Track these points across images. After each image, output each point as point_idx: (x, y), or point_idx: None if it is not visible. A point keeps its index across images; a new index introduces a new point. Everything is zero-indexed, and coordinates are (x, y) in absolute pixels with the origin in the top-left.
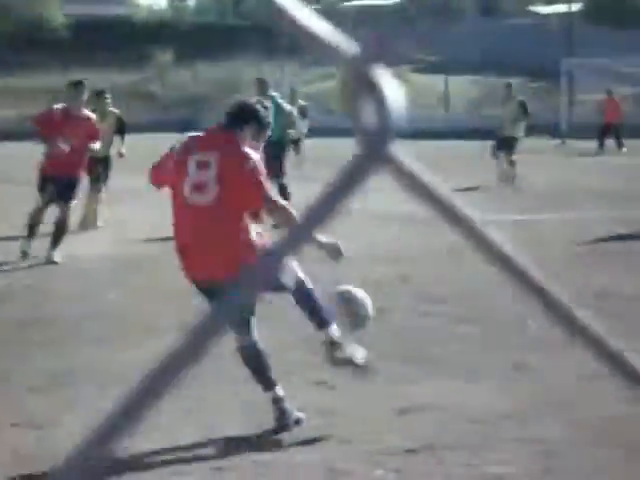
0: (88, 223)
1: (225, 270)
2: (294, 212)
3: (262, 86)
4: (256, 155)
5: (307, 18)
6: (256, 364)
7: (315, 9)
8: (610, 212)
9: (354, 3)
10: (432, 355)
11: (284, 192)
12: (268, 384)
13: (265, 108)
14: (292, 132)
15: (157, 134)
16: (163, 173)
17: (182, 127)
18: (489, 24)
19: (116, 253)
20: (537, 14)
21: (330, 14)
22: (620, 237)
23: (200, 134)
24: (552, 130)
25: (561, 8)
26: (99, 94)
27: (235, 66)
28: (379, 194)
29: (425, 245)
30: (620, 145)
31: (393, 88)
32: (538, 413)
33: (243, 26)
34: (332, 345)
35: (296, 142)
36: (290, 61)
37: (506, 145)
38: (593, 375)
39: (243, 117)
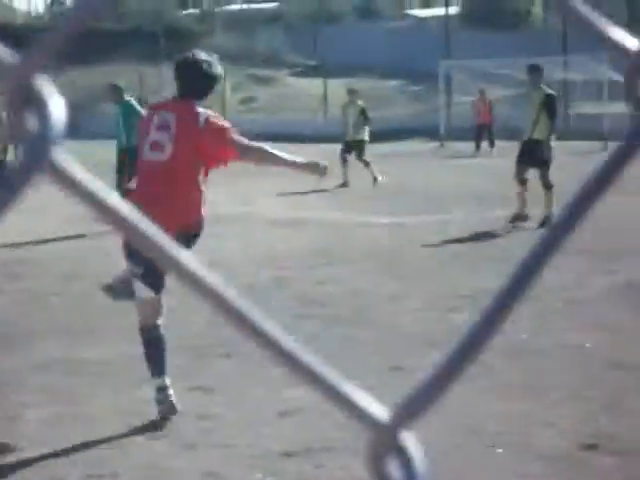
0: None
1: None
2: (267, 148)
3: (116, 92)
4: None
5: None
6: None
7: (191, 13)
8: (474, 213)
9: (230, 7)
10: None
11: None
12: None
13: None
14: None
15: None
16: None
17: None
18: (367, 26)
19: None
20: (415, 17)
21: (205, 18)
22: (476, 237)
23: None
24: (431, 133)
25: (439, 11)
26: None
27: (113, 71)
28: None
29: (300, 248)
30: (492, 145)
31: (54, 95)
32: None
33: (122, 30)
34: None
35: None
36: (169, 66)
37: (355, 148)
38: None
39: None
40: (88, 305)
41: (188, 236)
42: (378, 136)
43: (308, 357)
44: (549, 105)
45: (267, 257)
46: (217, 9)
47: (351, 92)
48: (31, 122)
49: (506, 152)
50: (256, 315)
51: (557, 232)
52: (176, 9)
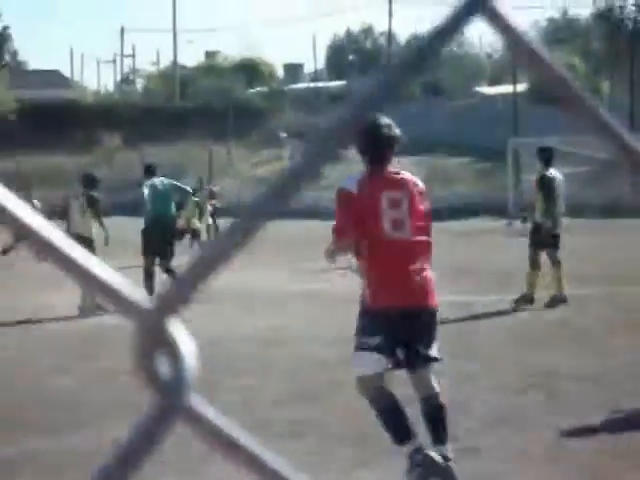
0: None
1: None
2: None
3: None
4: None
5: (95, 265)
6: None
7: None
8: (541, 292)
9: (298, 85)
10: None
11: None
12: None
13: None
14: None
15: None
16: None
17: (130, 210)
18: (435, 103)
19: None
20: (483, 94)
21: (273, 96)
22: (545, 316)
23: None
24: (499, 210)
25: (507, 89)
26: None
27: (182, 148)
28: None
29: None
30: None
31: (186, 340)
32: None
33: (190, 109)
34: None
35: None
36: (238, 144)
37: None
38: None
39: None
40: None
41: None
42: (444, 214)
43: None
44: (541, 186)
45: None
46: (285, 87)
47: None
48: (163, 367)
49: (574, 230)
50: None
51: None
52: (245, 87)
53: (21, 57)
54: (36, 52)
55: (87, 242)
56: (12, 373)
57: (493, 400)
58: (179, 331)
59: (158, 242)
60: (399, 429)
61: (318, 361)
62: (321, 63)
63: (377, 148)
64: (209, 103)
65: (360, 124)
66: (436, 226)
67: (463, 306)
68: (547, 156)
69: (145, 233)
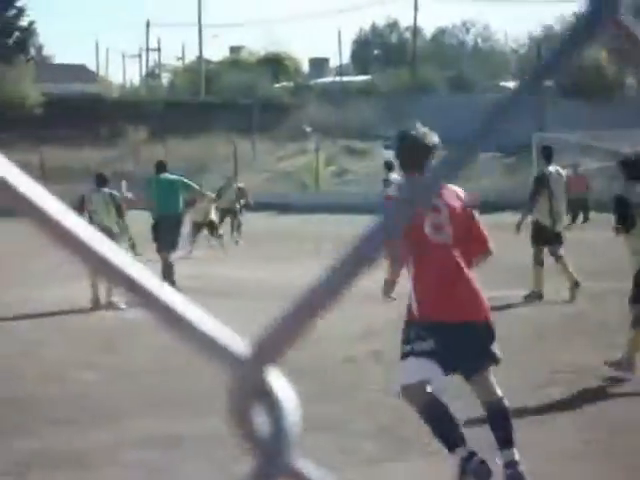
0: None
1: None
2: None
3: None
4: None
5: (188, 310)
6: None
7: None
8: (566, 286)
9: (323, 80)
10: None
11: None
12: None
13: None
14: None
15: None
16: None
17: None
18: (459, 98)
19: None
20: (508, 89)
21: (298, 91)
22: (570, 311)
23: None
24: (525, 205)
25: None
26: None
27: (208, 142)
28: None
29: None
30: (585, 220)
31: (287, 391)
32: None
33: (215, 103)
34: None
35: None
36: (263, 137)
37: None
38: None
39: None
40: (183, 379)
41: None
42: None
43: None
44: (535, 184)
45: (366, 330)
46: (311, 82)
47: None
48: (261, 420)
49: (601, 225)
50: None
51: None
52: (270, 82)
53: (47, 51)
54: (62, 46)
55: (111, 235)
56: (36, 366)
57: (515, 395)
58: (279, 381)
59: (166, 235)
60: (449, 436)
61: (344, 358)
62: (346, 57)
63: (414, 156)
64: (234, 98)
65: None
66: None
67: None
68: (547, 154)
69: (154, 228)
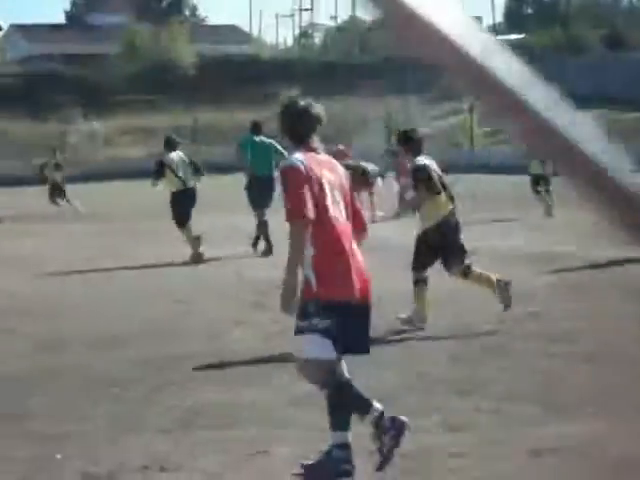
0: None
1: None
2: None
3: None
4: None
5: None
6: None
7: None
8: None
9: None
10: (561, 397)
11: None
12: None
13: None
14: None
15: None
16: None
17: None
18: (614, 57)
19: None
20: None
21: None
22: None
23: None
24: None
25: None
26: None
27: (361, 102)
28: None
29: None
30: None
31: None
32: None
33: (368, 63)
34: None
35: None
36: (416, 97)
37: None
38: None
39: None
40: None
41: None
42: None
43: None
44: None
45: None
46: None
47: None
48: None
49: None
50: None
51: None
52: None
53: (200, 12)
54: (215, 7)
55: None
56: (186, 324)
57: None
58: None
59: (259, 195)
60: (360, 401)
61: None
62: (499, 16)
63: (306, 128)
64: (388, 57)
65: None
66: None
67: None
68: None
69: (248, 189)
